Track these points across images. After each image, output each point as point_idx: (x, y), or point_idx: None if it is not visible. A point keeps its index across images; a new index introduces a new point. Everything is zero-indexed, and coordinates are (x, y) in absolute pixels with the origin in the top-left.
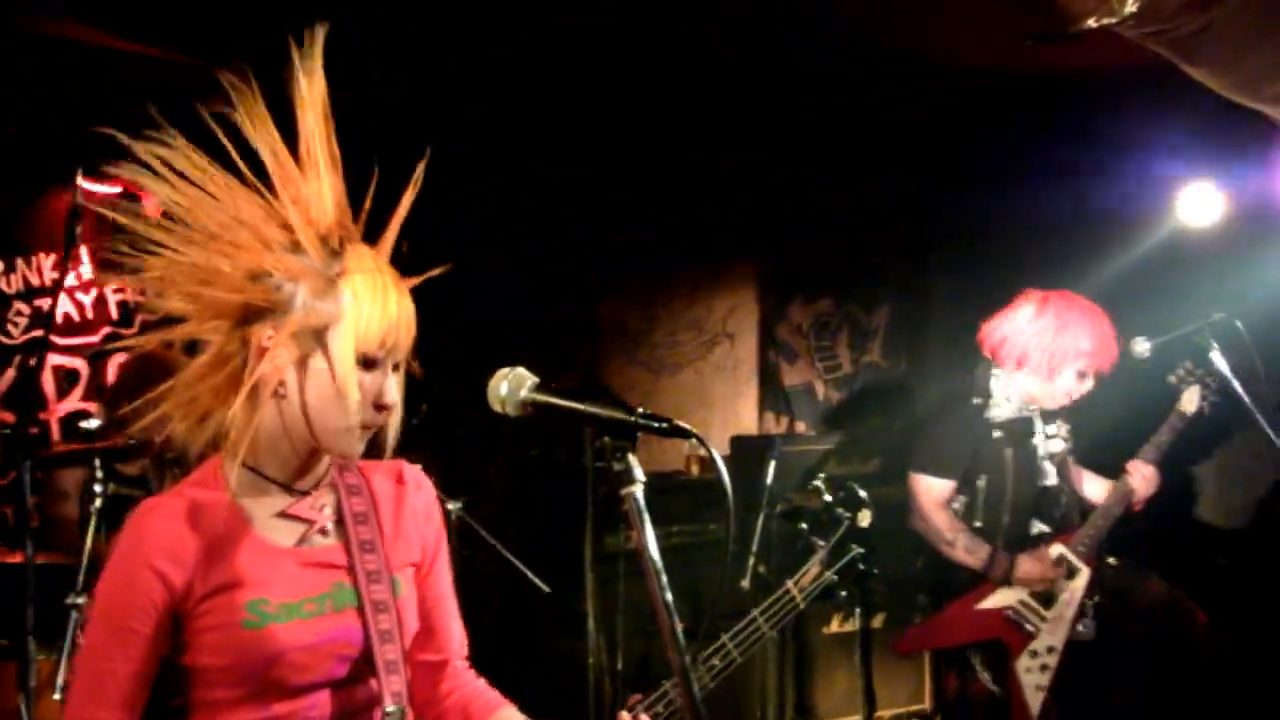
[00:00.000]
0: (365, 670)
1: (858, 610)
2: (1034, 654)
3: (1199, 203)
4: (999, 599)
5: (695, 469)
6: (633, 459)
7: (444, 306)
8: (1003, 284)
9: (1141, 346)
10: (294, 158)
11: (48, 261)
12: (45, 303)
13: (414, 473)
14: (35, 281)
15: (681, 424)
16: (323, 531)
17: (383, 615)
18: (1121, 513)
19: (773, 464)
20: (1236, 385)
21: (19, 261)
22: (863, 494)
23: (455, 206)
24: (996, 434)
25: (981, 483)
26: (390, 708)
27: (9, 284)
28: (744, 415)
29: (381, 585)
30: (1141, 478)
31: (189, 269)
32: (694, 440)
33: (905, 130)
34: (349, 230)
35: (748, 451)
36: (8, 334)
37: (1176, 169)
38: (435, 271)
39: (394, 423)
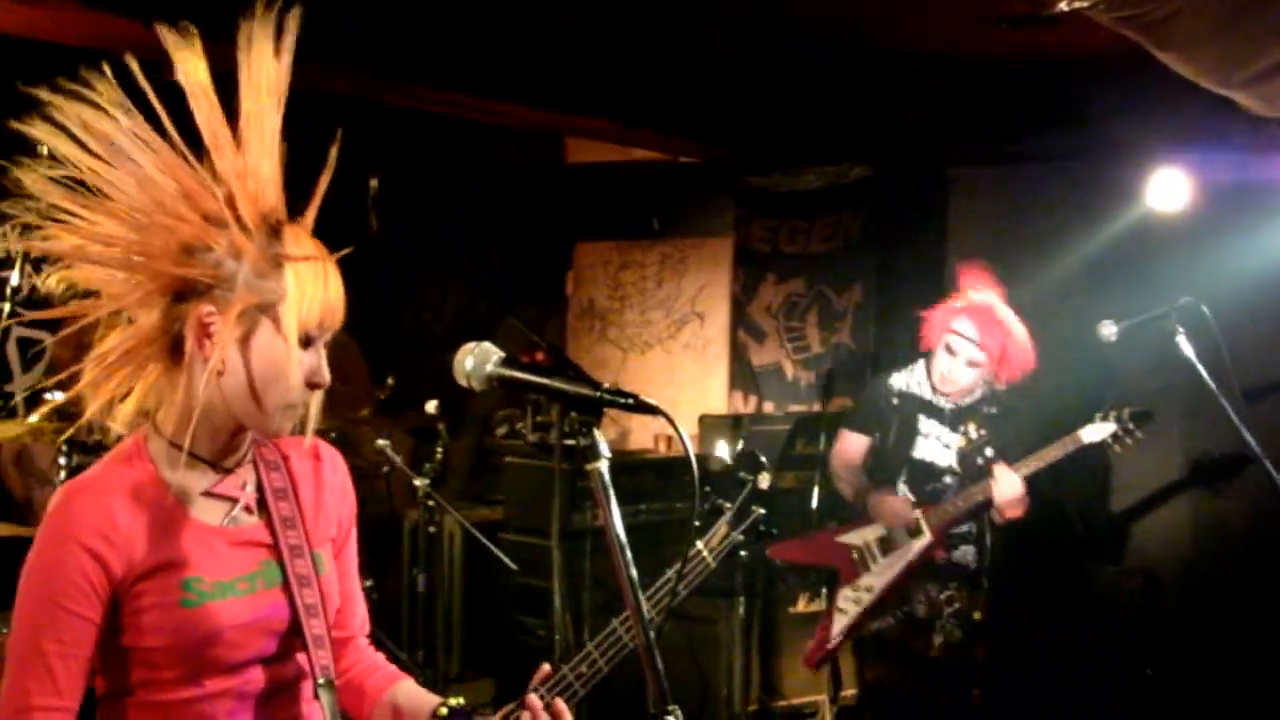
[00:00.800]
0: (294, 645)
1: (824, 591)
2: (855, 588)
3: (1168, 188)
4: (853, 537)
5: (663, 448)
6: (598, 434)
7: (410, 284)
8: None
9: (1108, 330)
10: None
11: (14, 234)
12: (8, 275)
13: (329, 450)
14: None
15: (647, 400)
16: (247, 509)
17: (307, 590)
18: (980, 507)
19: (740, 443)
20: (1202, 370)
21: None
22: (762, 459)
23: (420, 183)
24: (893, 400)
25: (875, 440)
26: (321, 680)
27: None
28: (713, 394)
29: (304, 561)
30: (1003, 482)
31: (122, 240)
32: (662, 418)
33: (878, 114)
34: (284, 211)
35: (716, 431)
36: None
37: (1146, 154)
38: (345, 251)
39: (316, 400)
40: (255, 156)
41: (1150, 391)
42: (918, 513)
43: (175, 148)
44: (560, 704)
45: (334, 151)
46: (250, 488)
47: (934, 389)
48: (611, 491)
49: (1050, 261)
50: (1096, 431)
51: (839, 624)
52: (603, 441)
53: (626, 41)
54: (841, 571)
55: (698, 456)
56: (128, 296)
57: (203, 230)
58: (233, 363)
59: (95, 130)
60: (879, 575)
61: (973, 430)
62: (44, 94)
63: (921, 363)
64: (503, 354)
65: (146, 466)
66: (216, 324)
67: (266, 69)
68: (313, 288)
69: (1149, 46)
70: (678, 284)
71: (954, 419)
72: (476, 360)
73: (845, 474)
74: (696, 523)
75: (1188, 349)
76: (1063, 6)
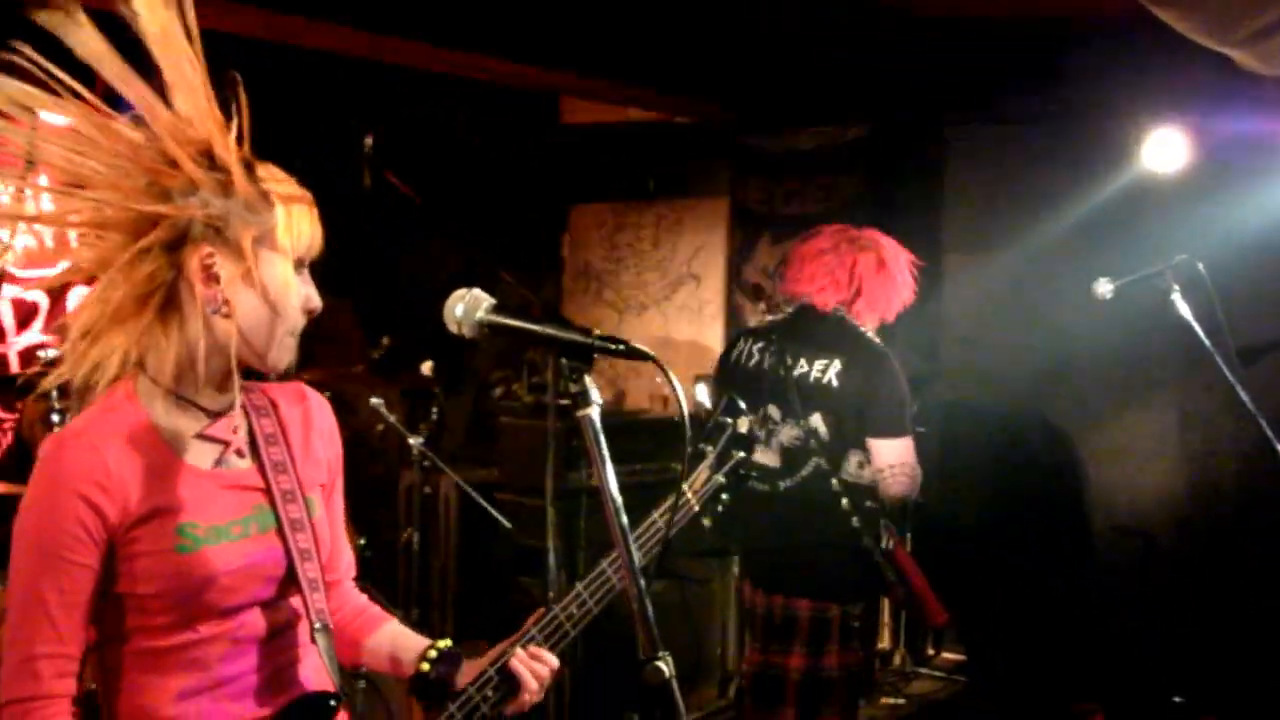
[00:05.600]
0: (288, 590)
1: None
2: None
3: (1164, 147)
4: None
5: (659, 408)
6: (589, 381)
7: (409, 242)
8: (967, 227)
9: (1104, 288)
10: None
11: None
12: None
13: (315, 395)
14: None
15: (639, 346)
16: (238, 453)
17: (300, 535)
18: None
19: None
20: (1197, 329)
21: None
22: (741, 403)
23: (415, 143)
24: None
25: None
26: (317, 624)
27: None
28: (709, 355)
29: (296, 505)
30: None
31: (105, 195)
32: (659, 380)
33: (875, 75)
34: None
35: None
36: None
37: (1143, 114)
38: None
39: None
40: (202, 99)
41: (1146, 351)
42: None
43: (150, 94)
44: (546, 653)
45: (239, 92)
46: (242, 432)
47: None
48: (602, 438)
49: (1047, 221)
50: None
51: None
52: (594, 388)
53: None
54: None
55: (694, 419)
56: (117, 255)
57: (184, 174)
58: (240, 298)
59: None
60: None
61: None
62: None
63: None
64: (494, 301)
65: (138, 412)
66: (218, 264)
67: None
68: (298, 213)
69: (1146, 4)
70: (673, 245)
71: None
72: (467, 307)
73: None
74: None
75: (1183, 308)
76: None
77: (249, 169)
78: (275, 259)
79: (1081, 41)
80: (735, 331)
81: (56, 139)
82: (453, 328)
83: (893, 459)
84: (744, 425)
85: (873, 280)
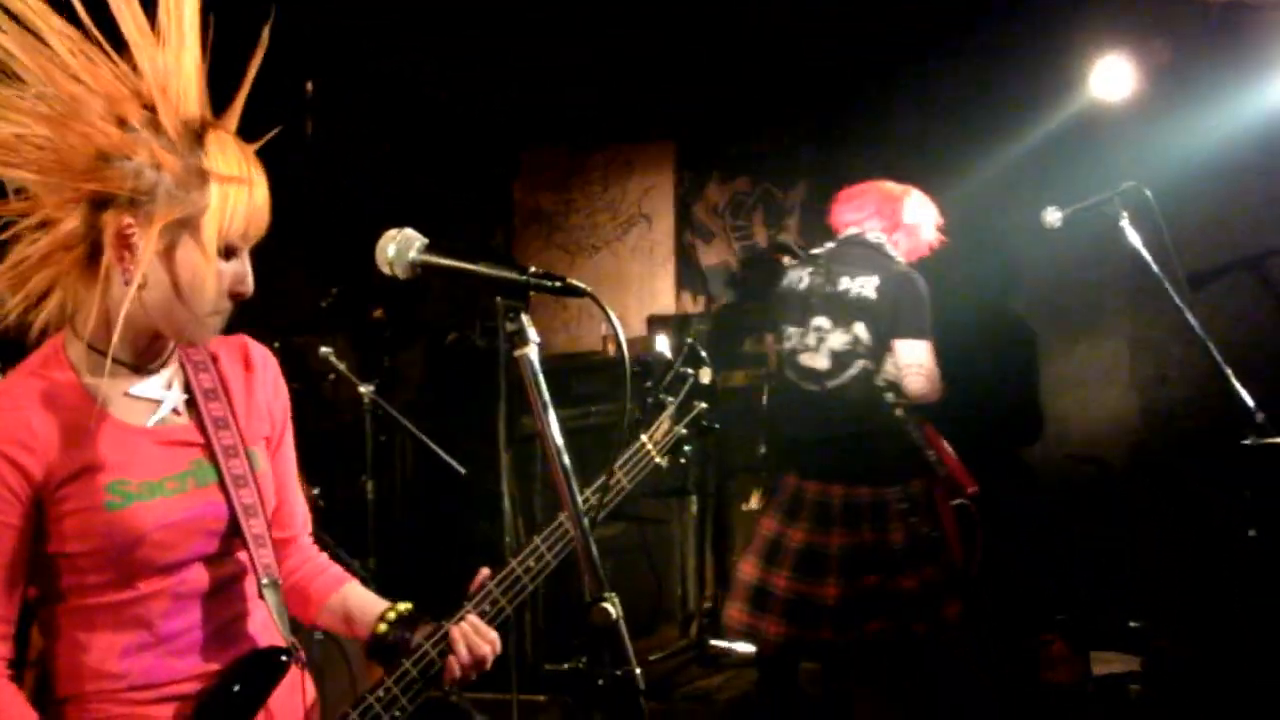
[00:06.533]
0: (232, 545)
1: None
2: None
3: (1111, 76)
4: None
5: (612, 349)
6: (526, 319)
7: (359, 191)
8: (917, 161)
9: (1053, 216)
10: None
11: None
12: None
13: (258, 347)
14: None
15: (575, 282)
16: (175, 410)
17: (244, 490)
18: None
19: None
20: (1146, 255)
21: None
22: (703, 353)
23: (362, 88)
24: None
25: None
26: (265, 579)
27: None
28: (661, 296)
29: (239, 460)
30: None
31: (37, 140)
32: (606, 322)
33: (817, 8)
34: (208, 111)
35: (664, 331)
36: None
37: (1091, 43)
38: (271, 134)
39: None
40: (175, 52)
41: (1096, 279)
42: None
43: (93, 39)
44: (491, 635)
45: (258, 56)
46: (177, 387)
47: None
48: (541, 378)
49: (996, 152)
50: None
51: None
52: (530, 327)
53: None
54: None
55: (643, 357)
56: (45, 200)
57: (121, 139)
58: (154, 275)
59: (7, 8)
60: None
61: None
62: None
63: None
64: (425, 240)
65: (65, 371)
66: (136, 236)
67: None
68: (235, 197)
69: None
70: (623, 187)
71: None
72: (399, 247)
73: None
74: (631, 407)
75: (1132, 235)
76: None
77: (197, 138)
78: (197, 243)
79: None
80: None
81: (36, 52)
82: (385, 269)
83: (911, 359)
84: (706, 375)
85: (910, 218)
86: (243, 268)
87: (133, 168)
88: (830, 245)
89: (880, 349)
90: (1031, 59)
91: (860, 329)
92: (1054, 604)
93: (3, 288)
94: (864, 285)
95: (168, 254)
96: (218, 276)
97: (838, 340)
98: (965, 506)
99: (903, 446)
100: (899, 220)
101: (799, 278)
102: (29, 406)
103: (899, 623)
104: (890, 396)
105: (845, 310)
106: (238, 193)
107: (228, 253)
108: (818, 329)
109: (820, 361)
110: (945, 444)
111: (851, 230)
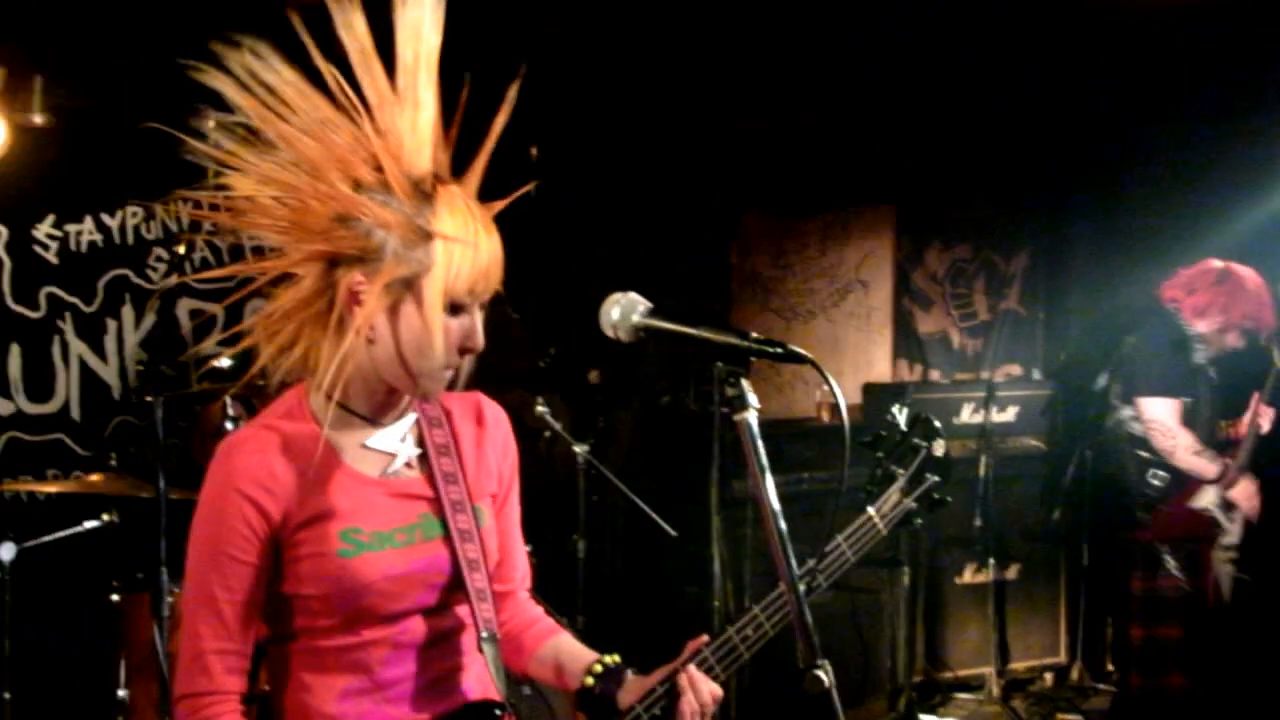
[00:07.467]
0: (454, 598)
1: (991, 561)
2: (1224, 548)
3: None
4: (1202, 500)
5: (826, 415)
6: (746, 384)
7: (577, 250)
8: (1145, 230)
9: None
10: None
11: (186, 207)
12: (181, 248)
13: (492, 405)
14: (174, 228)
15: (796, 349)
16: (407, 464)
17: (469, 545)
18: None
19: (904, 408)
20: None
21: (157, 208)
22: (937, 424)
23: (586, 141)
24: (1194, 369)
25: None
26: (484, 633)
27: (149, 230)
28: (877, 363)
29: (465, 515)
30: (1268, 417)
31: (283, 202)
32: (825, 389)
33: (1045, 70)
34: (441, 169)
35: (880, 399)
36: (147, 279)
37: None
38: (507, 201)
39: (469, 359)
40: (410, 113)
41: None
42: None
43: (336, 103)
44: (714, 686)
45: (499, 123)
46: (411, 441)
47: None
48: (759, 442)
49: (1230, 219)
50: None
51: (1227, 588)
52: (751, 392)
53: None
54: (1204, 537)
55: (861, 426)
56: (288, 259)
57: (353, 201)
58: (381, 331)
59: (261, 81)
60: (1234, 533)
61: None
62: (214, 46)
63: (1189, 327)
64: (649, 304)
65: (306, 421)
66: (365, 293)
67: (422, 22)
68: (461, 256)
69: None
70: (840, 252)
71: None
72: (623, 310)
73: (1197, 445)
74: (847, 473)
75: None
76: None
77: (425, 197)
78: (422, 301)
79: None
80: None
81: (286, 119)
82: (608, 331)
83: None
84: (939, 448)
85: None
86: (471, 323)
87: (364, 228)
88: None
89: None
90: (1266, 123)
91: None
92: None
93: (259, 337)
94: None
95: (393, 311)
96: (445, 332)
97: None
98: None
99: None
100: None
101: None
102: (271, 451)
103: None
104: None
105: None
106: (463, 252)
107: (455, 309)
108: None
109: None
110: None
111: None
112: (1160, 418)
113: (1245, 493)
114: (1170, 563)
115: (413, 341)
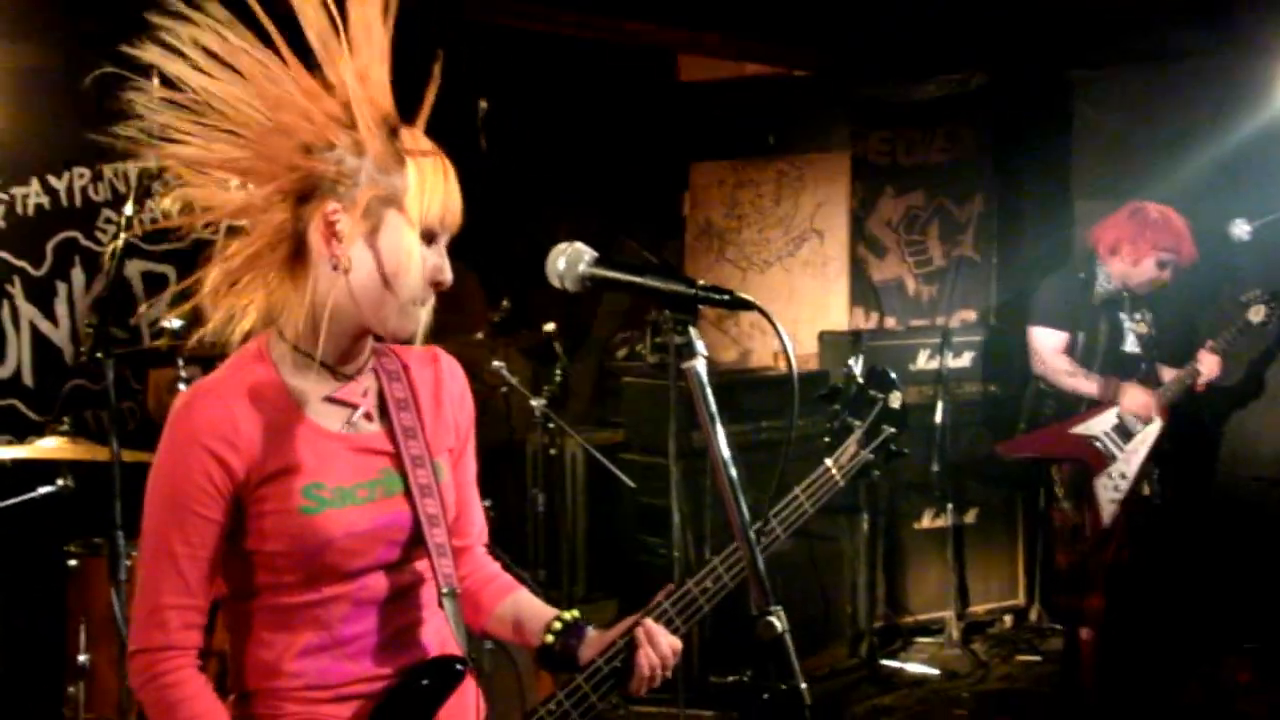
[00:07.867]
0: (414, 554)
1: (949, 506)
2: (1110, 475)
3: None
4: (1088, 427)
5: (784, 364)
6: (694, 332)
7: (530, 205)
8: (1097, 172)
9: (1241, 229)
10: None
11: (134, 169)
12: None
13: (448, 359)
14: (122, 189)
15: (743, 295)
16: (367, 417)
17: (428, 500)
18: (1187, 388)
19: (860, 359)
20: None
21: (104, 169)
22: (893, 376)
23: (530, 106)
24: (1093, 301)
25: (1079, 340)
26: (444, 588)
27: (96, 192)
28: (833, 311)
29: (425, 470)
30: (1207, 364)
31: (240, 153)
32: (777, 337)
33: (997, 11)
34: (397, 115)
35: (835, 347)
36: (96, 241)
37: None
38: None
39: (428, 309)
40: (366, 61)
41: None
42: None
43: (285, 58)
44: (673, 639)
45: (437, 68)
46: (371, 395)
47: (1120, 286)
48: (709, 390)
49: (1179, 163)
50: (1258, 313)
51: (1108, 512)
52: (699, 340)
53: None
54: (1090, 462)
55: (816, 373)
56: (250, 202)
57: (324, 127)
58: (359, 258)
59: (204, 47)
60: (1129, 463)
61: (1147, 317)
62: (153, 16)
63: (1102, 265)
64: (595, 253)
65: (269, 370)
66: (342, 220)
67: None
68: (433, 182)
69: None
70: (795, 201)
71: (1132, 309)
72: (569, 260)
73: (1071, 368)
74: (797, 423)
75: None
76: None
77: (392, 132)
78: (400, 224)
79: None
80: None
81: (231, 84)
82: (555, 282)
83: None
84: (896, 400)
85: None
86: (440, 257)
87: (335, 155)
88: None
89: None
90: (1221, 66)
91: None
92: (1243, 629)
93: (216, 289)
94: None
95: (371, 236)
96: (421, 260)
97: None
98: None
99: None
100: None
101: None
102: (234, 403)
103: None
104: None
105: None
106: (434, 172)
107: (427, 239)
108: None
109: None
110: None
111: None
112: (1041, 347)
113: (1136, 402)
114: (1059, 491)
115: (392, 262)
